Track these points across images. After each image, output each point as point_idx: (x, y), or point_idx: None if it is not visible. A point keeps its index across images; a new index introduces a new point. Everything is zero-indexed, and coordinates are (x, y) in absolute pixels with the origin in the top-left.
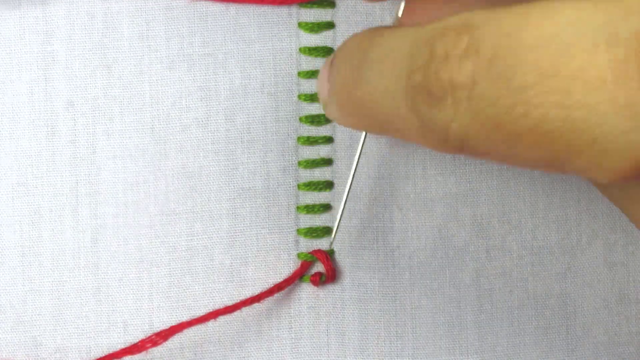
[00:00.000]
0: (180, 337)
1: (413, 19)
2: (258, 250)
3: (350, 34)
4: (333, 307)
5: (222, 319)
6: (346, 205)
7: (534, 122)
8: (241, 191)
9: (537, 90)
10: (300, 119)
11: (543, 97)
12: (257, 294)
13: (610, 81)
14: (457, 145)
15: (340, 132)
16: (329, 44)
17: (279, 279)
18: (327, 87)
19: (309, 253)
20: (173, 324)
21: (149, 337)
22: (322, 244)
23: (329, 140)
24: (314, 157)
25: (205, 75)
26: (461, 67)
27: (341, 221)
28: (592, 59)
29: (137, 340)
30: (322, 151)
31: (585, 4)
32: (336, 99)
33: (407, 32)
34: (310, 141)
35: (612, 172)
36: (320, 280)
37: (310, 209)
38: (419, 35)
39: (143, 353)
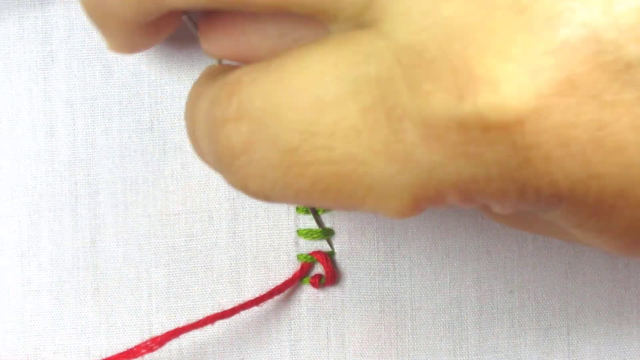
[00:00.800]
0: (179, 338)
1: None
2: (257, 251)
3: None
4: (333, 309)
5: (221, 320)
6: None
7: (311, 181)
8: None
9: (303, 150)
10: None
11: (311, 156)
12: (256, 296)
13: (363, 130)
14: (265, 201)
15: None
16: None
17: (278, 280)
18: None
19: (309, 254)
20: (172, 325)
21: (145, 342)
22: (323, 245)
23: None
24: None
25: None
26: (237, 132)
27: (340, 222)
28: (343, 111)
29: (134, 344)
30: None
31: (328, 53)
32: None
33: (210, 89)
34: None
35: (397, 212)
36: (320, 282)
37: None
38: (209, 95)
39: (139, 358)
